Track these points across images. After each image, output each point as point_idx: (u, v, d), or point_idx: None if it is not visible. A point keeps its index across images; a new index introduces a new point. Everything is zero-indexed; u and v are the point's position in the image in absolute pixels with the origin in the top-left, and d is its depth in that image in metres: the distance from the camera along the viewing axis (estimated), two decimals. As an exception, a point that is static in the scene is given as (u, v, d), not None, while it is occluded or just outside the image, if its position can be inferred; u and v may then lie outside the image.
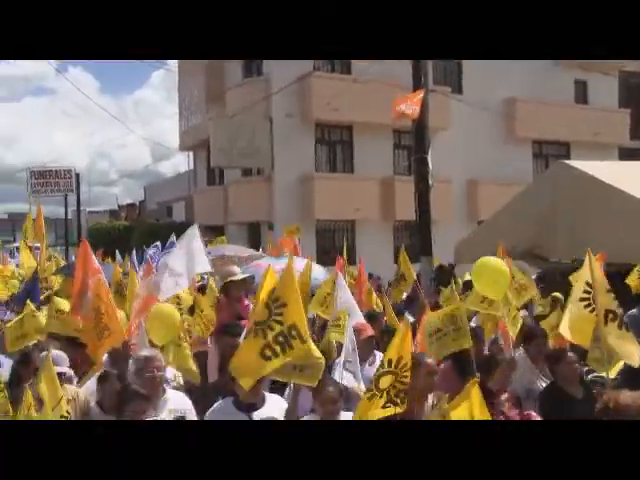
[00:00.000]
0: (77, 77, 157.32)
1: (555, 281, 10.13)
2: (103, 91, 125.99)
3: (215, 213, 26.73)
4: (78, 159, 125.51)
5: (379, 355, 6.36)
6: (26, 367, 6.04)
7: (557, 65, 28.14)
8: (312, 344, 4.77)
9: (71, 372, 5.98)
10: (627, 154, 28.41)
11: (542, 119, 27.81)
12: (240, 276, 7.98)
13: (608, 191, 10.38)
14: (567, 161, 13.73)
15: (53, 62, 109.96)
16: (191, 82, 29.56)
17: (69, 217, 33.76)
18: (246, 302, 7.90)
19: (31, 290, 9.73)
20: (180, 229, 28.52)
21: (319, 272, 10.96)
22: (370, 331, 6.63)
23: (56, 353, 5.85)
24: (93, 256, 7.40)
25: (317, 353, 4.73)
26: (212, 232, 24.73)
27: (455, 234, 16.08)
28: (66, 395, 5.06)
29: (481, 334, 7.00)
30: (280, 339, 4.56)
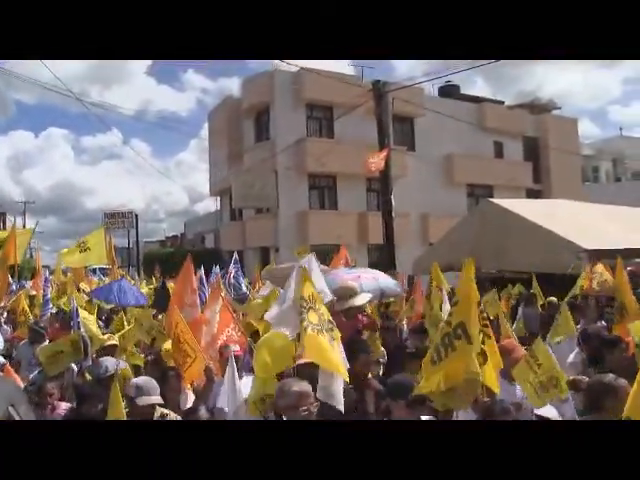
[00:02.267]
0: (136, 145, 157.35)
1: (484, 287, 10.14)
2: (154, 155, 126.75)
3: (236, 241, 26.62)
4: (136, 204, 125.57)
5: None
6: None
7: (481, 130, 28.63)
8: (478, 347, 3.17)
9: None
10: (532, 194, 28.69)
11: (472, 169, 28.19)
12: (366, 299, 6.23)
13: (520, 221, 10.50)
14: (491, 199, 13.85)
15: (120, 134, 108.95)
16: (217, 147, 29.57)
17: (130, 246, 33.68)
18: (359, 316, 6.09)
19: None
20: (211, 253, 28.31)
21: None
22: (519, 352, 4.26)
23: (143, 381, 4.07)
24: (194, 277, 6.03)
25: (476, 365, 3.09)
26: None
27: (412, 253, 16.12)
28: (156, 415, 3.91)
29: None
30: (445, 340, 3.20)
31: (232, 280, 9.19)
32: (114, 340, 6.39)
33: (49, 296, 9.41)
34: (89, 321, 6.47)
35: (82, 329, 6.03)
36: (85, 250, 9.85)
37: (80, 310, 6.43)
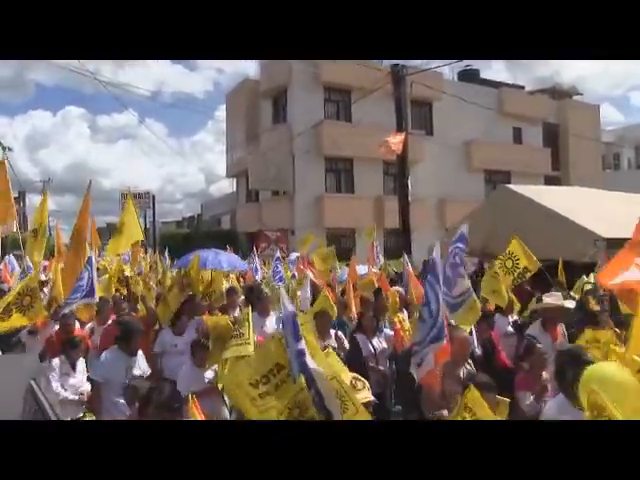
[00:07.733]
0: (151, 125, 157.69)
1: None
2: (170, 135, 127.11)
3: (252, 223, 26.78)
4: (153, 184, 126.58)
5: None
6: None
7: (500, 115, 28.35)
8: None
9: None
10: (550, 181, 28.45)
11: (490, 155, 27.96)
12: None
13: (537, 207, 10.45)
14: (508, 185, 13.76)
15: (135, 114, 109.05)
16: (234, 128, 29.61)
17: (147, 226, 33.98)
18: None
19: None
20: (227, 235, 28.38)
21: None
22: None
23: None
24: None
25: None
26: (249, 237, 24.84)
27: (428, 238, 16.10)
28: None
29: None
30: None
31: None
32: None
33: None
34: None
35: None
36: (121, 233, 8.43)
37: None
